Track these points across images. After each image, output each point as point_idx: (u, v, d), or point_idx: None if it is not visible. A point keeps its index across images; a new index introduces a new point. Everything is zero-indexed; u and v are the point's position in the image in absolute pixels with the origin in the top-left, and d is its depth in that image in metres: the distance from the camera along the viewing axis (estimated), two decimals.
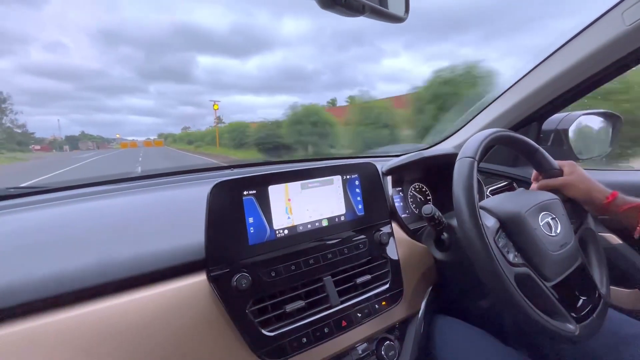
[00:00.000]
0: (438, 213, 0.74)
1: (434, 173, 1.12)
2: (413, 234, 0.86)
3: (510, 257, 0.61)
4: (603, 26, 0.81)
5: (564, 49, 0.89)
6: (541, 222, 0.65)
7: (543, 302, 0.59)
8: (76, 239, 0.58)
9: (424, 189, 1.14)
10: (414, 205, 1.08)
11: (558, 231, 0.66)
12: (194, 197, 0.77)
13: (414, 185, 1.12)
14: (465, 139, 1.22)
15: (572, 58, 0.86)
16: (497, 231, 0.63)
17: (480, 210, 0.61)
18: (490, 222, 0.64)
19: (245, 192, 0.58)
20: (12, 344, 0.44)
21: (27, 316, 0.47)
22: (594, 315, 0.63)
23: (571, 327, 0.58)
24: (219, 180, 0.56)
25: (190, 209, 0.71)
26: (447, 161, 1.06)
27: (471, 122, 1.21)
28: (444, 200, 1.12)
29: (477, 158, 0.64)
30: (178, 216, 0.68)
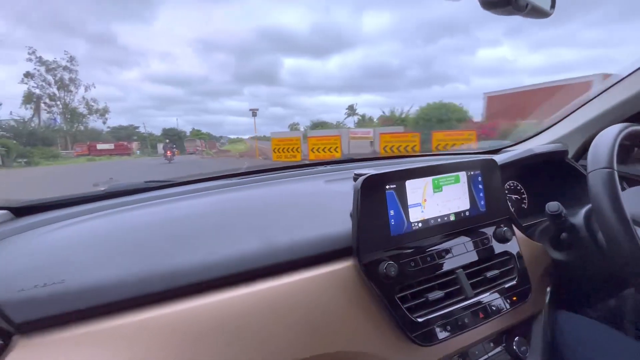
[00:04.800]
0: (565, 211, 0.72)
1: (529, 171, 1.09)
2: (524, 231, 0.85)
3: None
4: None
5: None
6: None
7: None
8: (234, 225, 0.66)
9: (518, 187, 1.11)
10: (509, 203, 1.06)
11: None
12: (318, 190, 0.84)
13: (508, 183, 1.10)
14: (564, 135, 1.17)
15: None
16: None
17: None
18: None
19: (387, 186, 0.62)
20: (177, 322, 0.51)
21: (204, 292, 0.54)
22: None
23: None
24: (368, 175, 0.60)
25: (320, 201, 0.77)
26: (549, 159, 1.03)
27: (571, 116, 1.15)
28: (539, 199, 1.08)
29: (615, 167, 0.61)
30: (311, 207, 0.74)
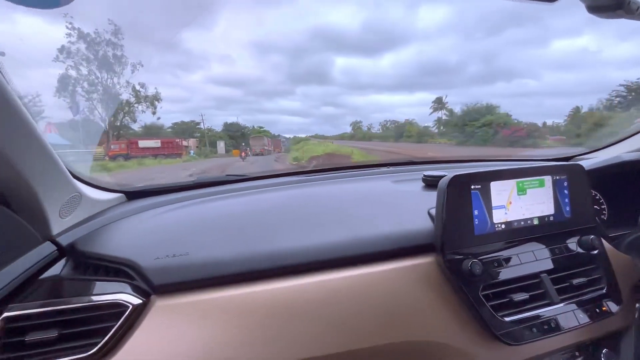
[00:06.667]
0: None
1: (610, 180, 1.02)
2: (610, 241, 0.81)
3: None
4: None
5: None
6: None
7: None
8: (320, 217, 0.71)
9: (597, 197, 1.05)
10: None
11: None
12: (388, 189, 0.87)
13: None
14: None
15: None
16: None
17: None
18: None
19: (473, 186, 0.63)
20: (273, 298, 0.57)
21: (298, 274, 0.60)
22: None
23: None
24: (455, 175, 0.62)
25: (393, 199, 0.81)
26: (637, 168, 0.96)
27: None
28: (621, 211, 1.01)
29: None
30: (386, 205, 0.78)
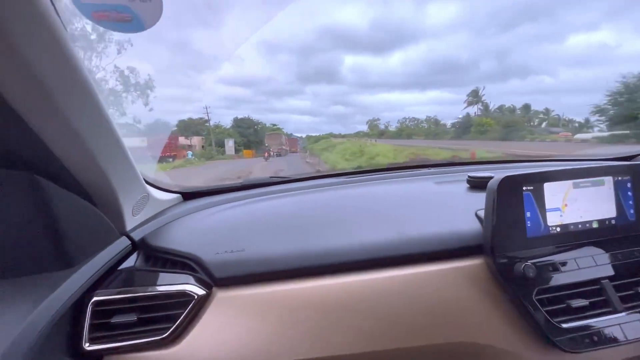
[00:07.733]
0: None
1: None
2: None
3: None
4: None
5: None
6: None
7: None
8: (368, 217, 0.73)
9: None
10: None
11: None
12: (432, 190, 0.87)
13: None
14: None
15: None
16: None
17: None
18: None
19: (524, 188, 0.62)
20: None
21: (347, 272, 0.62)
22: None
23: None
24: (506, 176, 0.61)
25: (437, 200, 0.80)
26: None
27: None
28: None
29: None
30: (430, 205, 0.78)
